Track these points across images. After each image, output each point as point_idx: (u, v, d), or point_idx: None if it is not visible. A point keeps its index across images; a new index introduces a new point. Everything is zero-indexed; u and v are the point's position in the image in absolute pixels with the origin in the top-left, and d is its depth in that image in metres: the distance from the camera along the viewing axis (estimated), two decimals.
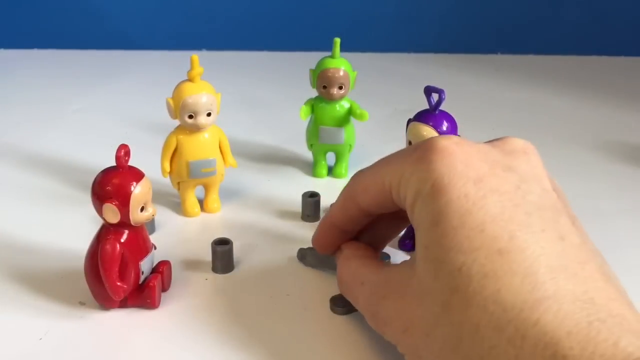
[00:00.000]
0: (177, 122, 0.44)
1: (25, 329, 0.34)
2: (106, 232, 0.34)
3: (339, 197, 0.35)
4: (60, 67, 0.83)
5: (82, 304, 0.36)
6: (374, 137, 0.59)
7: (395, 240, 0.42)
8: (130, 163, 0.34)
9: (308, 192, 0.46)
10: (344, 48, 0.49)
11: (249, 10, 0.89)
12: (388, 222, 0.36)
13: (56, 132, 0.62)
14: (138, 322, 0.35)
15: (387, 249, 0.41)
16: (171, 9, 0.89)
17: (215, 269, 0.39)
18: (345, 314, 0.35)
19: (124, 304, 0.35)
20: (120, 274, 0.33)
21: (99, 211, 0.33)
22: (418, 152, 0.28)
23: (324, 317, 0.35)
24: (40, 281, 0.38)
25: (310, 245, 0.40)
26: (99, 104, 0.70)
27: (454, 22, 0.90)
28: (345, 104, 0.51)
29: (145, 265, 0.35)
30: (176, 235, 0.44)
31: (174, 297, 0.37)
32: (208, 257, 0.40)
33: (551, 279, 0.24)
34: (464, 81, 0.78)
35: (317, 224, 0.45)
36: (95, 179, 0.33)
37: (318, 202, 0.45)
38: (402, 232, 0.42)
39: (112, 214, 0.33)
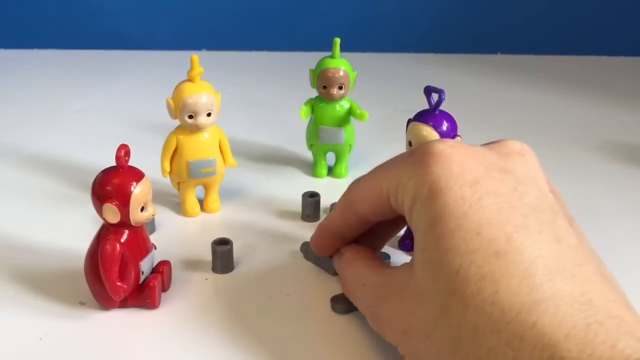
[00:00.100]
0: (177, 122, 0.44)
1: (25, 329, 0.34)
2: (106, 232, 0.34)
3: (336, 206, 0.35)
4: (60, 67, 0.83)
5: (82, 304, 0.36)
6: (374, 137, 0.59)
7: (395, 240, 0.42)
8: (130, 163, 0.34)
9: (308, 192, 0.46)
10: (344, 48, 0.49)
11: (249, 10, 0.89)
12: (385, 226, 0.36)
13: (56, 132, 0.62)
14: (138, 322, 0.35)
15: (387, 249, 0.41)
16: (171, 9, 0.89)
17: (215, 269, 0.39)
18: (345, 313, 0.35)
19: (124, 304, 0.35)
20: (120, 274, 0.33)
21: (99, 211, 0.33)
22: (414, 157, 0.29)
23: (324, 317, 0.35)
24: (40, 281, 0.38)
25: None
26: (99, 104, 0.70)
27: (454, 22, 0.90)
28: (345, 104, 0.51)
29: (145, 265, 0.35)
30: (176, 235, 0.44)
31: (174, 297, 0.37)
32: (208, 257, 0.40)
33: (549, 280, 0.24)
34: (464, 81, 0.78)
35: (317, 224, 0.45)
36: (96, 179, 0.33)
37: (318, 202, 0.45)
38: (402, 232, 0.42)
39: (112, 214, 0.33)
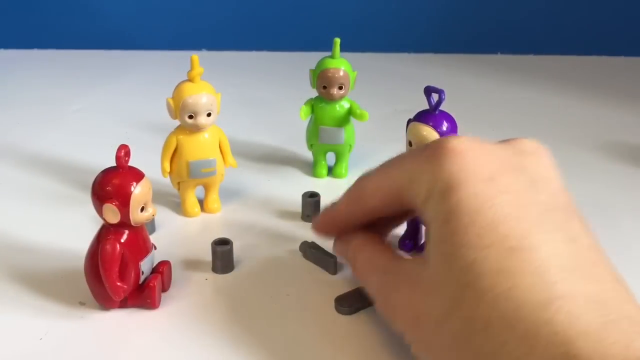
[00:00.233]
0: (177, 122, 0.44)
1: (25, 329, 0.34)
2: (106, 232, 0.34)
3: (343, 196, 0.35)
4: (60, 67, 0.83)
5: (82, 304, 0.36)
6: (374, 137, 0.59)
7: (395, 239, 0.42)
8: (130, 163, 0.34)
9: (308, 192, 0.46)
10: (344, 48, 0.49)
11: (249, 10, 0.89)
12: (388, 219, 0.36)
13: (56, 132, 0.62)
14: (138, 322, 0.35)
15: None
16: (171, 9, 0.89)
17: (215, 269, 0.39)
18: (349, 314, 0.35)
19: (124, 304, 0.35)
20: (120, 274, 0.33)
21: (99, 211, 0.33)
22: (428, 152, 0.29)
23: (324, 317, 0.35)
24: (40, 281, 0.38)
25: (313, 241, 0.41)
26: (99, 104, 0.70)
27: (454, 22, 0.90)
28: (345, 104, 0.51)
29: (145, 265, 0.35)
30: (176, 235, 0.44)
31: (174, 297, 0.37)
32: (208, 257, 0.40)
33: (563, 278, 0.24)
34: (464, 81, 0.78)
35: None
36: (96, 179, 0.33)
37: (318, 202, 0.45)
38: (403, 232, 0.42)
39: (112, 214, 0.33)
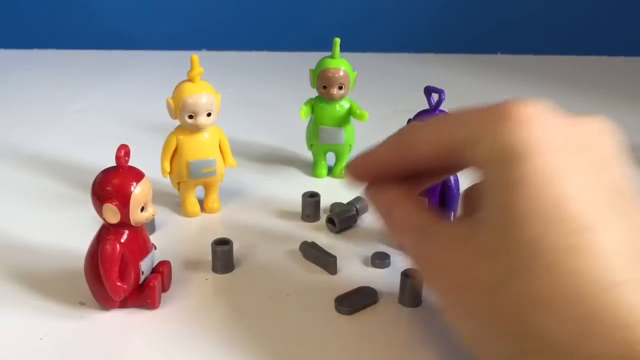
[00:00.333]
0: (177, 122, 0.44)
1: (25, 329, 0.34)
2: (106, 232, 0.34)
3: (386, 141, 0.32)
4: (60, 67, 0.83)
5: (82, 304, 0.36)
6: (374, 137, 0.59)
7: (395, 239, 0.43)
8: (130, 163, 0.34)
9: (308, 192, 0.46)
10: (344, 48, 0.49)
11: (249, 10, 0.89)
12: (429, 173, 0.33)
13: (56, 132, 0.62)
14: (138, 322, 0.35)
15: (387, 249, 0.41)
16: (171, 9, 0.89)
17: (215, 269, 0.39)
18: (349, 314, 0.35)
19: (124, 304, 0.35)
20: (120, 274, 0.33)
21: (99, 211, 0.33)
22: (499, 111, 0.27)
23: (324, 317, 0.35)
24: (40, 281, 0.38)
25: (313, 240, 0.41)
26: (99, 104, 0.70)
27: (454, 22, 0.90)
28: (345, 104, 0.51)
29: (145, 265, 0.35)
30: (176, 235, 0.44)
31: (174, 297, 0.37)
32: (208, 257, 0.40)
33: (627, 265, 0.23)
34: (464, 81, 0.78)
35: (317, 224, 0.45)
36: (95, 179, 0.33)
37: (318, 202, 0.45)
38: None
39: (112, 214, 0.33)
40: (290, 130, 0.61)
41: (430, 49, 0.90)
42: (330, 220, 0.44)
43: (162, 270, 0.36)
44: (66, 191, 0.49)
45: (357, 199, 0.46)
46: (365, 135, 0.56)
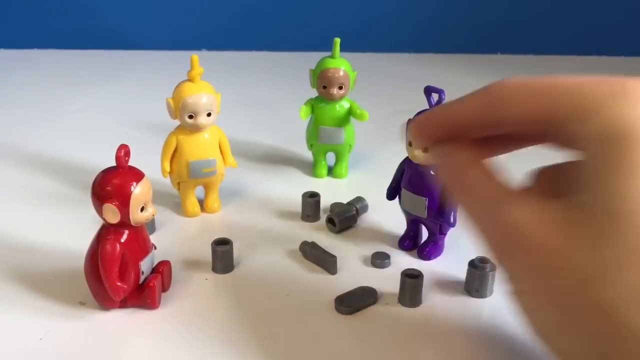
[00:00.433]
0: (177, 122, 0.44)
1: (25, 329, 0.34)
2: (106, 232, 0.34)
3: (470, 96, 0.28)
4: (60, 67, 0.83)
5: (82, 304, 0.36)
6: (374, 137, 0.59)
7: (395, 240, 0.43)
8: (130, 163, 0.34)
9: (308, 192, 0.46)
10: (344, 48, 0.49)
11: (249, 10, 0.89)
12: (510, 139, 0.30)
13: (56, 132, 0.62)
14: (138, 322, 0.35)
15: (387, 249, 0.41)
16: (171, 9, 0.89)
17: (215, 269, 0.39)
18: (349, 314, 0.35)
19: (124, 304, 0.35)
20: (120, 274, 0.33)
21: (99, 211, 0.33)
22: (614, 87, 0.25)
23: (324, 317, 0.35)
24: (40, 281, 0.38)
25: (313, 240, 0.41)
26: (99, 104, 0.70)
27: (454, 22, 0.90)
28: (345, 104, 0.51)
29: (145, 265, 0.35)
30: (176, 235, 0.44)
31: (174, 297, 0.37)
32: (208, 257, 0.40)
33: None
34: (464, 81, 0.78)
35: (317, 224, 0.45)
36: (96, 179, 0.33)
37: (318, 202, 0.45)
38: (403, 232, 0.42)
39: (112, 214, 0.33)
40: (290, 130, 0.61)
41: (431, 49, 0.90)
42: (330, 220, 0.44)
43: (162, 270, 0.36)
44: (66, 191, 0.49)
45: (357, 199, 0.46)
46: (365, 135, 0.56)
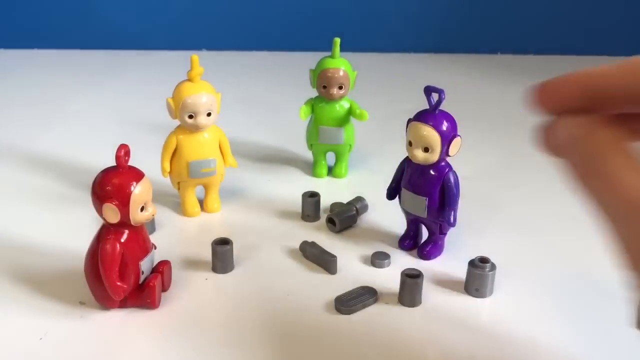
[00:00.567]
0: (177, 122, 0.44)
1: (26, 328, 0.34)
2: (106, 232, 0.34)
3: (610, 67, 0.23)
4: (60, 67, 0.83)
5: (82, 304, 0.36)
6: (374, 137, 0.59)
7: (395, 239, 0.43)
8: (130, 163, 0.34)
9: (308, 192, 0.46)
10: (344, 48, 0.49)
11: (249, 10, 0.89)
12: None
13: (56, 132, 0.62)
14: (138, 322, 0.35)
15: (387, 249, 0.41)
16: (171, 9, 0.89)
17: (215, 269, 0.39)
18: (349, 314, 0.35)
19: (124, 304, 0.35)
20: (120, 274, 0.33)
21: (99, 211, 0.33)
22: None
23: (324, 317, 0.35)
24: (40, 281, 0.38)
25: (313, 240, 0.41)
26: (99, 104, 0.70)
27: (454, 22, 0.90)
28: (345, 104, 0.51)
29: (145, 265, 0.35)
30: (176, 235, 0.44)
31: (174, 297, 0.37)
32: (208, 257, 0.40)
33: None
34: (464, 81, 0.78)
35: (317, 224, 0.45)
36: (95, 179, 0.33)
37: (318, 202, 0.45)
38: (403, 232, 0.42)
39: (112, 214, 0.33)
40: (290, 130, 0.61)
41: (430, 49, 0.90)
42: (330, 220, 0.44)
43: (162, 270, 0.36)
44: (66, 191, 0.49)
45: (357, 199, 0.46)
46: (365, 135, 0.57)
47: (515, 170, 0.54)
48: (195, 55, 0.42)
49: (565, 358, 0.33)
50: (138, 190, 0.33)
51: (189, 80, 0.43)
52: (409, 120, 0.40)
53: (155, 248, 0.36)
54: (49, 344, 0.33)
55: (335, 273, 0.39)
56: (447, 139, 0.38)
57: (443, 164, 0.39)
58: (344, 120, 0.51)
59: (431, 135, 0.38)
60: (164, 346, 0.33)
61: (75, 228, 0.43)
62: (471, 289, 0.37)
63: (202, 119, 0.43)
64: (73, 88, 0.75)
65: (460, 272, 0.39)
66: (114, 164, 0.33)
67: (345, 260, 0.40)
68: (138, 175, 0.33)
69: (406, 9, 0.89)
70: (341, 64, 0.49)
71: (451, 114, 0.39)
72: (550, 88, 0.24)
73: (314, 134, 0.52)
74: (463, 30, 0.90)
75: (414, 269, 0.37)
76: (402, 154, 0.40)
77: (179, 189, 0.46)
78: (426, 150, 0.38)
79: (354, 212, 0.45)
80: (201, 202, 0.47)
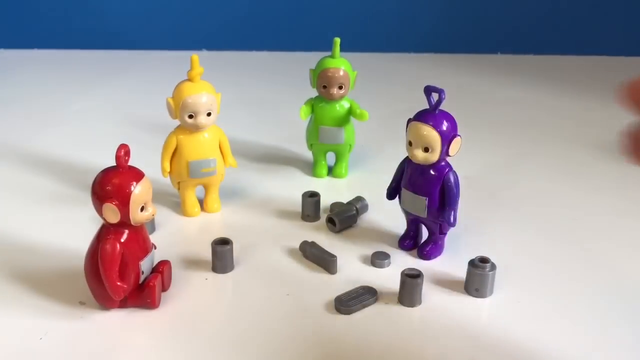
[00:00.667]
0: (177, 122, 0.44)
1: (26, 328, 0.34)
2: (106, 232, 0.34)
3: None
4: (60, 67, 0.83)
5: (82, 304, 0.36)
6: (374, 137, 0.59)
7: (395, 239, 0.43)
8: (130, 163, 0.34)
9: (308, 192, 0.46)
10: (344, 48, 0.49)
11: (249, 10, 0.89)
12: None
13: (56, 132, 0.62)
14: (138, 322, 0.35)
15: (387, 249, 0.41)
16: (171, 9, 0.89)
17: (215, 269, 0.39)
18: (349, 314, 0.35)
19: (124, 304, 0.35)
20: (120, 273, 0.33)
21: (99, 211, 0.33)
22: None
23: (324, 317, 0.35)
24: (40, 281, 0.38)
25: (313, 240, 0.41)
26: (99, 104, 0.70)
27: (454, 22, 0.90)
28: (345, 104, 0.51)
29: (145, 265, 0.35)
30: (176, 235, 0.44)
31: (174, 297, 0.37)
32: (208, 257, 0.40)
33: None
34: (464, 81, 0.78)
35: (317, 224, 0.45)
36: (95, 179, 0.33)
37: (318, 202, 0.45)
38: (403, 232, 0.42)
39: (112, 214, 0.33)
40: (290, 130, 0.61)
41: (430, 49, 0.90)
42: (330, 220, 0.44)
43: (162, 270, 0.36)
44: (66, 191, 0.49)
45: (357, 199, 0.46)
46: (365, 135, 0.57)
47: (515, 170, 0.54)
48: (195, 55, 0.42)
49: (565, 358, 0.33)
50: (138, 190, 0.33)
51: (189, 80, 0.43)
52: (409, 120, 0.40)
53: (155, 248, 0.36)
54: (49, 344, 0.33)
55: (335, 273, 0.39)
56: (447, 138, 0.38)
57: (443, 163, 0.39)
58: (344, 120, 0.51)
59: (431, 135, 0.38)
60: (164, 346, 0.33)
61: (75, 228, 0.43)
62: (471, 289, 0.37)
63: (202, 119, 0.43)
64: (73, 88, 0.75)
65: (460, 272, 0.39)
66: (114, 163, 0.33)
67: (345, 260, 0.40)
68: (138, 175, 0.33)
69: (406, 9, 0.89)
70: (341, 64, 0.49)
71: (451, 113, 0.39)
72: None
73: (314, 134, 0.52)
74: (463, 30, 0.90)
75: (414, 269, 0.37)
76: (402, 154, 0.40)
77: (179, 189, 0.46)
78: (426, 150, 0.38)
79: (354, 212, 0.45)
80: (201, 202, 0.47)
